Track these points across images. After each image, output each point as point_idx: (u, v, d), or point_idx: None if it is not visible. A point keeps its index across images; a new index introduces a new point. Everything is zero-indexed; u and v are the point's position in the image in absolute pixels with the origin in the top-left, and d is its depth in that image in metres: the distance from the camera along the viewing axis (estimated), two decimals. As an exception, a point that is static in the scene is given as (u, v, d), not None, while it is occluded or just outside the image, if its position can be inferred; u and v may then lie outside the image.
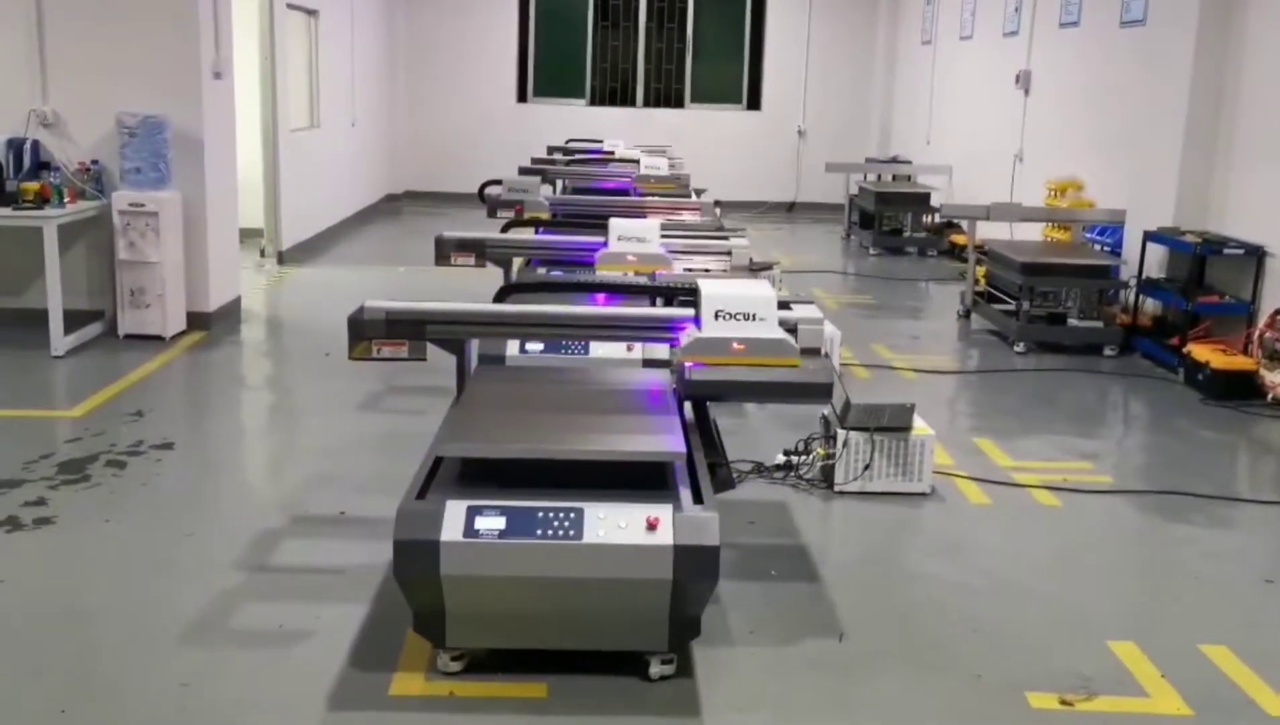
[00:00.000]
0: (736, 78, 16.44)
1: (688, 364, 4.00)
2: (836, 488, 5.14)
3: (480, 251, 6.21)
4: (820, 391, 4.06)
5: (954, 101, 13.50)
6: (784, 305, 4.37)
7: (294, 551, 4.39)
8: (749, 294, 3.87)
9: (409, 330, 4.05)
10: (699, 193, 12.01)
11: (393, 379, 6.66)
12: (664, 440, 3.53)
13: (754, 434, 5.86)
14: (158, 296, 7.45)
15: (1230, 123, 7.72)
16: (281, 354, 7.78)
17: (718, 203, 12.81)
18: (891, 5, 15.96)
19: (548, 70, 16.31)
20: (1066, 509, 5.12)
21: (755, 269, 9.51)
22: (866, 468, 5.11)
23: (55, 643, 3.63)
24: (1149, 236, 7.97)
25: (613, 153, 11.47)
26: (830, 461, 5.18)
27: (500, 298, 4.46)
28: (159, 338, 7.47)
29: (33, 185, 7.11)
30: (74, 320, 7.33)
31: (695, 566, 3.31)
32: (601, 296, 5.19)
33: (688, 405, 4.42)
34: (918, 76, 14.95)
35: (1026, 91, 11.20)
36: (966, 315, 9.14)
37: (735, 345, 3.78)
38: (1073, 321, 8.13)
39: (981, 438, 6.07)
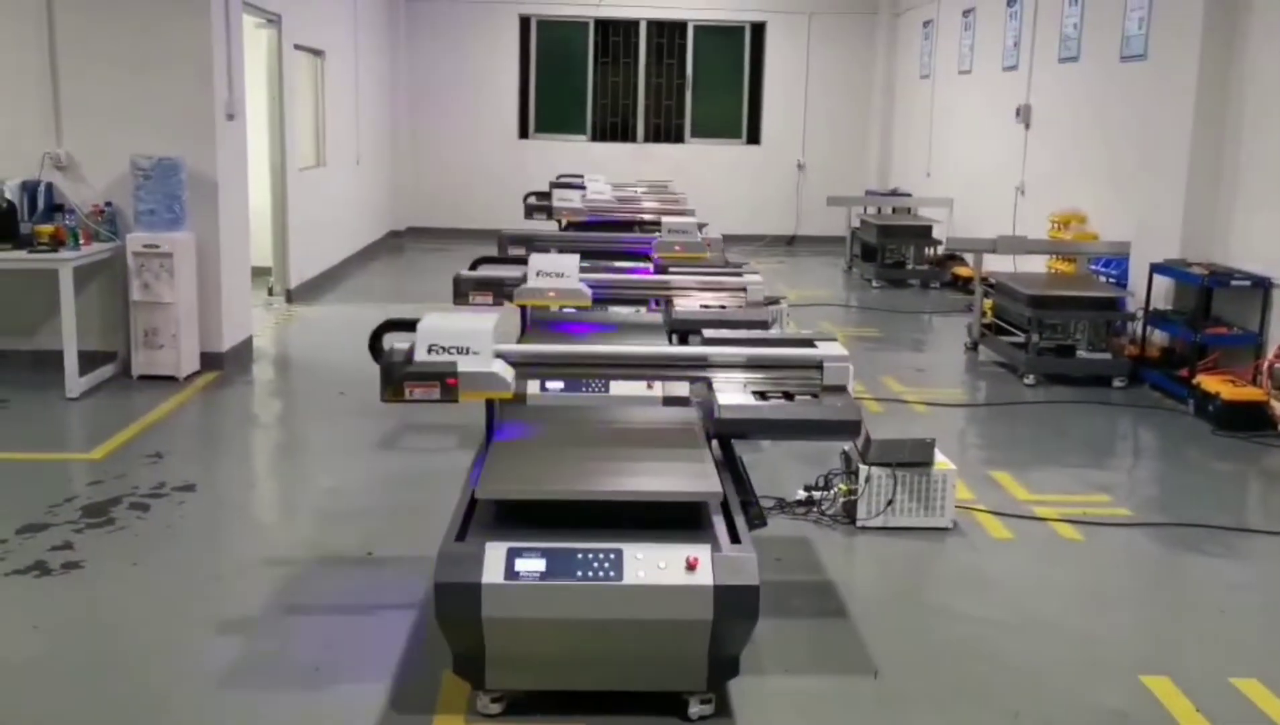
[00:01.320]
0: (736, 112, 16.57)
1: (718, 402, 4.05)
2: (859, 523, 5.17)
3: (499, 291, 6.27)
4: (849, 428, 4.10)
5: (954, 134, 13.63)
6: (808, 342, 4.42)
7: (324, 593, 4.39)
8: (462, 327, 3.79)
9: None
10: (702, 227, 12.11)
11: (409, 417, 6.68)
12: (700, 480, 3.55)
13: (772, 470, 5.88)
14: (171, 337, 7.48)
15: (1234, 155, 7.80)
16: (295, 393, 7.80)
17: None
18: (889, 39, 16.13)
19: (548, 106, 16.44)
20: (1088, 542, 5.15)
21: (764, 304, 9.59)
22: (890, 503, 5.14)
23: (93, 689, 3.63)
24: (1156, 268, 8.04)
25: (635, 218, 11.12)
26: (852, 497, 5.20)
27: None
28: (173, 378, 7.49)
29: (47, 228, 7.15)
30: (87, 361, 7.34)
31: (736, 606, 3.33)
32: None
33: (714, 443, 4.47)
34: (917, 110, 15.10)
35: (1027, 125, 11.31)
36: (974, 347, 9.19)
37: (449, 380, 3.73)
38: (1081, 353, 8.18)
39: (998, 471, 6.10)
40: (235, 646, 3.90)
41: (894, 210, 14.34)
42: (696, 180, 15.52)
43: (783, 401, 4.25)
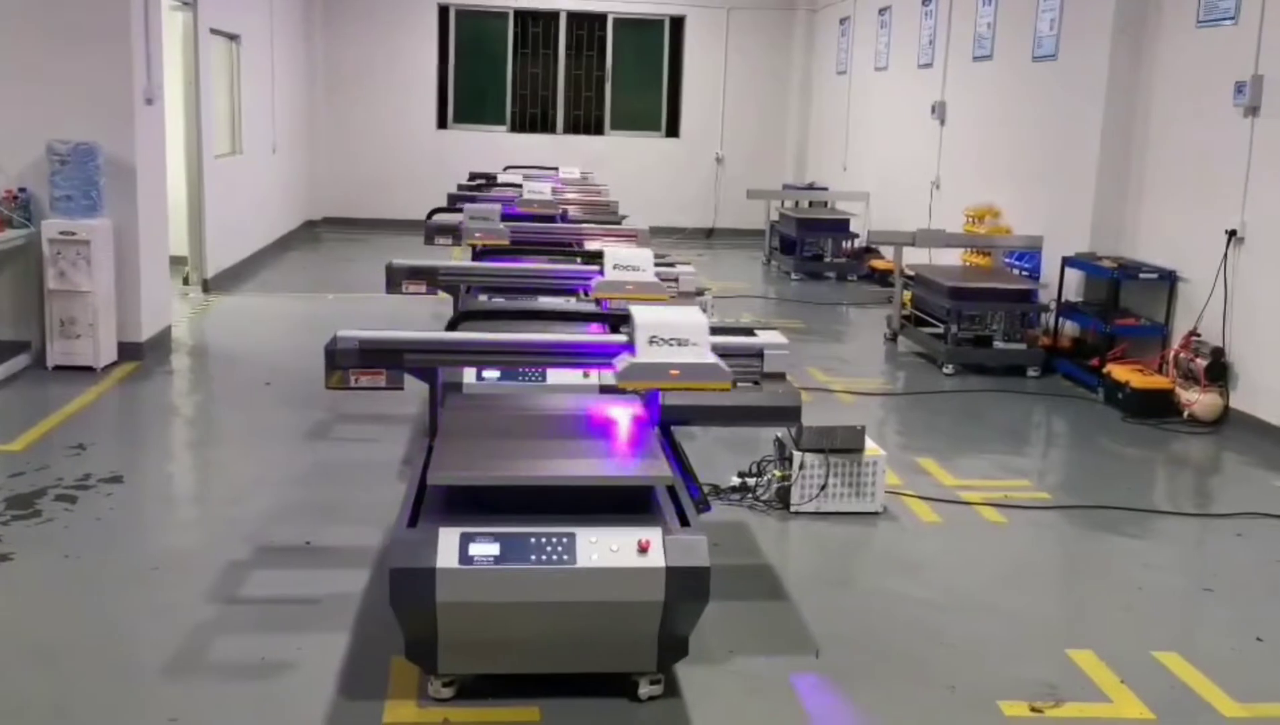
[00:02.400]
0: (655, 105, 16.66)
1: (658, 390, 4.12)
2: (793, 508, 5.28)
3: (432, 279, 6.25)
4: (790, 414, 4.22)
5: (871, 130, 13.88)
6: (748, 331, 4.51)
7: (264, 583, 4.35)
8: (682, 320, 3.91)
9: (386, 359, 4.09)
10: (623, 219, 12.18)
11: (339, 407, 6.63)
12: (652, 464, 3.61)
13: (705, 457, 5.95)
14: (89, 326, 7.30)
15: (1142, 152, 8.10)
16: (217, 384, 7.66)
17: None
18: (806, 35, 16.35)
19: (468, 97, 16.34)
20: (1012, 525, 5.33)
21: (689, 295, 9.68)
22: (823, 488, 5.25)
23: (32, 682, 3.56)
24: (1068, 262, 8.32)
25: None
26: (786, 483, 5.31)
27: (454, 325, 4.49)
28: (90, 369, 7.31)
29: (-42, 213, 6.94)
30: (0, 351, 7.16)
31: (687, 587, 3.40)
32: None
33: (655, 430, 4.53)
34: (834, 105, 15.34)
35: (942, 121, 11.58)
36: (894, 338, 9.40)
37: (671, 371, 3.84)
38: (998, 344, 8.43)
39: (923, 457, 6.27)
40: (178, 637, 3.85)
41: (810, 204, 14.57)
42: (616, 173, 15.54)
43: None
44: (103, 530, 4.79)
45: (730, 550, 4.83)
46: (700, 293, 9.39)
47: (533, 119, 16.44)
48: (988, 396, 7.84)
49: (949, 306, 8.32)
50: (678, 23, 16.41)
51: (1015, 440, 6.95)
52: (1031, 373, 8.33)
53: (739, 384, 4.36)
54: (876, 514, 5.31)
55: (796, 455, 5.26)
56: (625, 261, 5.65)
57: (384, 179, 15.84)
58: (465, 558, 3.33)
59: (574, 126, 16.51)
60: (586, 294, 6.49)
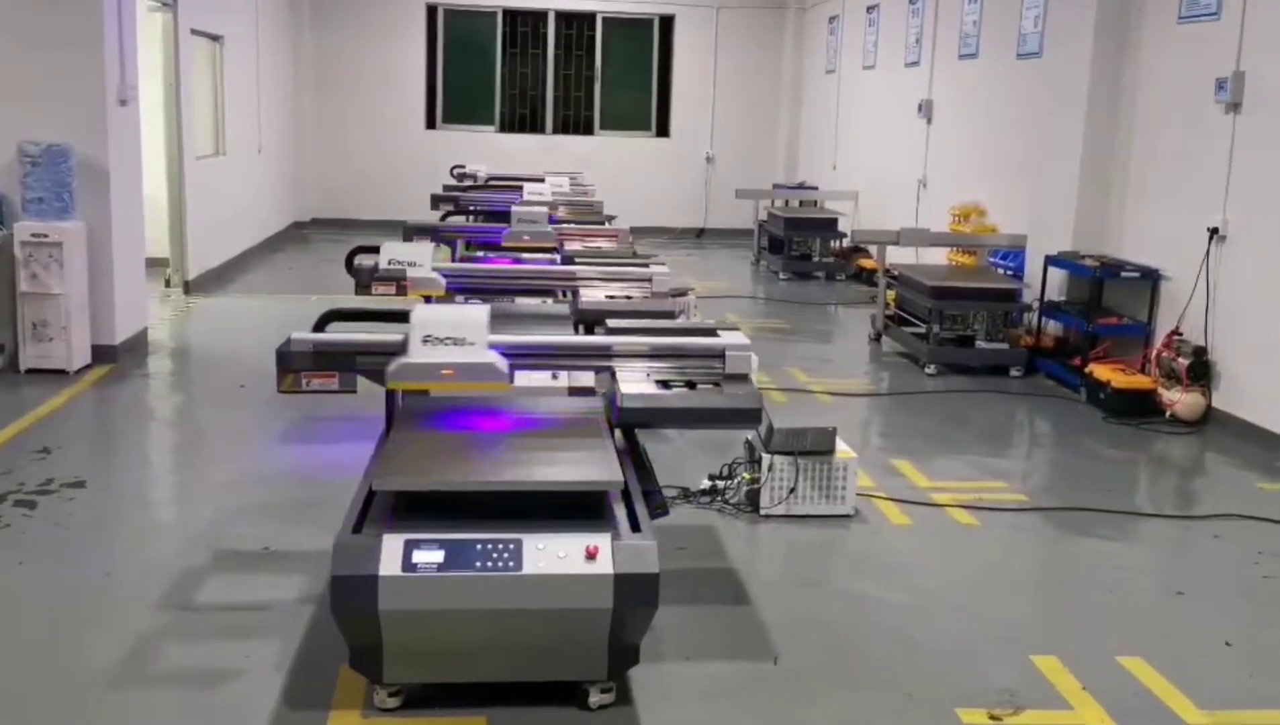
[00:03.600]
0: (645, 105, 16.60)
1: (620, 391, 4.06)
2: (762, 511, 5.21)
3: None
4: (750, 416, 4.14)
5: (859, 129, 13.82)
6: (710, 331, 4.45)
7: (219, 588, 4.30)
8: (457, 317, 3.85)
9: (339, 362, 4.04)
10: (610, 220, 12.13)
11: (312, 410, 6.56)
12: (601, 469, 3.55)
13: (678, 459, 5.90)
14: (61, 329, 7.25)
15: (1125, 150, 8.04)
16: (193, 386, 7.61)
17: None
18: (796, 35, 16.29)
19: (457, 97, 16.28)
20: (984, 527, 5.26)
21: (670, 295, 9.61)
22: (792, 491, 5.19)
23: (-28, 691, 3.50)
24: (1050, 260, 8.26)
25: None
26: (756, 486, 5.25)
27: (320, 325, 4.42)
28: (63, 372, 7.26)
29: (-72, 216, 6.89)
30: (-28, 355, 7.11)
31: (636, 594, 3.34)
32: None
33: (617, 432, 4.47)
34: (823, 104, 15.28)
35: (929, 120, 11.52)
36: (877, 338, 9.33)
37: (444, 371, 3.78)
38: (980, 344, 8.36)
39: (898, 459, 6.20)
40: (126, 645, 3.79)
41: (800, 203, 14.50)
42: (605, 172, 15.50)
43: (685, 391, 4.28)
44: (60, 536, 4.73)
45: (695, 553, 4.77)
46: (682, 293, 9.36)
47: (522, 119, 16.38)
48: (969, 397, 7.78)
49: (930, 306, 8.25)
50: (667, 22, 16.36)
51: (994, 441, 6.89)
52: (1014, 373, 8.27)
53: (699, 386, 4.32)
54: (847, 517, 5.25)
55: (765, 457, 5.20)
56: (401, 256, 5.66)
57: (373, 179, 15.79)
58: (409, 565, 3.27)
59: (563, 126, 16.45)
60: (565, 295, 6.46)
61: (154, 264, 10.67)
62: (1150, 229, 7.78)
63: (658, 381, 4.35)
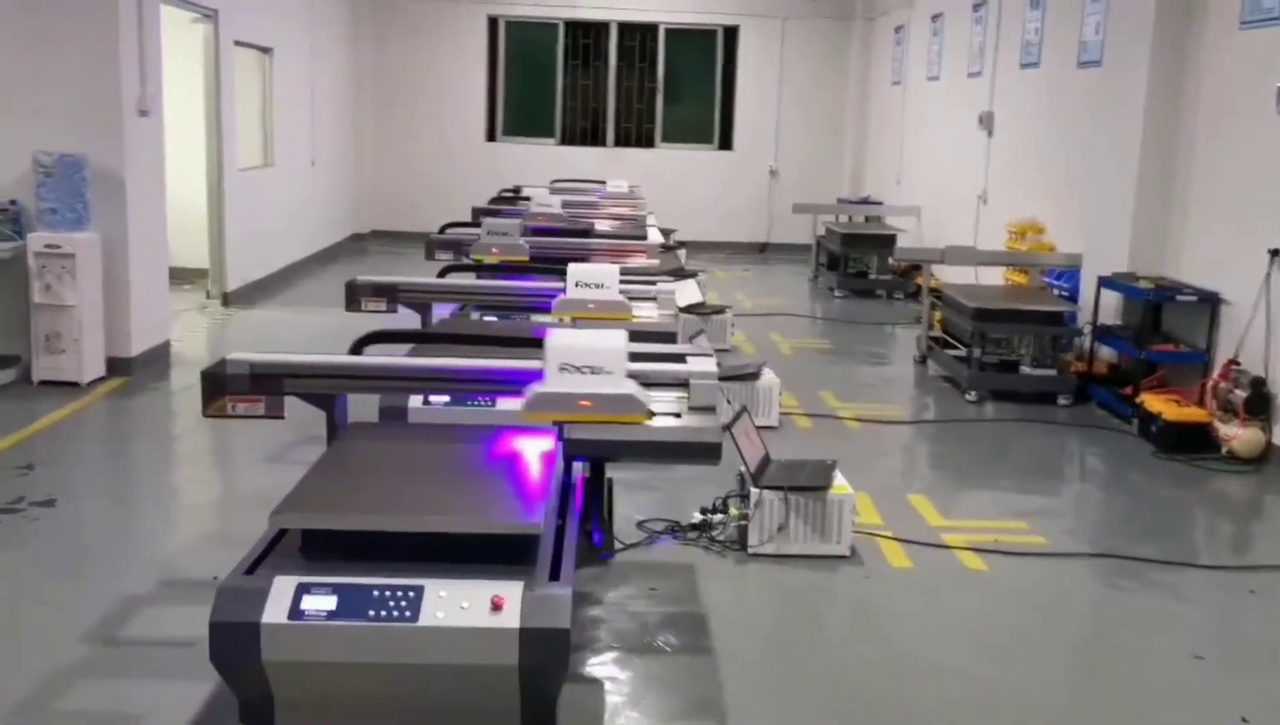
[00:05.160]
0: (708, 117, 16.28)
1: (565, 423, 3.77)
2: (750, 550, 4.86)
3: (392, 296, 5.99)
4: (707, 452, 3.80)
5: (923, 142, 13.34)
6: (679, 358, 4.13)
7: (151, 621, 4.09)
8: (597, 345, 3.59)
9: (269, 386, 3.81)
10: (667, 233, 11.85)
11: (308, 429, 6.35)
12: (520, 510, 3.24)
13: (681, 490, 5.55)
14: (74, 341, 7.19)
15: (1186, 166, 7.50)
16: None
17: (682, 244, 12.67)
18: (863, 45, 15.84)
19: (517, 109, 16.16)
20: (993, 573, 4.83)
21: (707, 312, 9.30)
22: (780, 529, 4.83)
23: None
24: (1103, 282, 7.74)
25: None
26: (744, 522, 4.89)
27: (358, 348, 4.20)
28: (75, 384, 7.20)
29: (-56, 226, 6.88)
30: (-14, 366, 7.09)
31: (543, 651, 3.02)
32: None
33: (580, 465, 4.17)
34: (888, 117, 14.81)
35: (990, 132, 11.01)
36: (923, 361, 8.88)
37: (582, 401, 3.51)
38: (1025, 369, 7.87)
39: (916, 494, 5.79)
40: (33, 680, 3.59)
41: (866, 219, 14.06)
42: (666, 186, 15.28)
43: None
44: (10, 559, 4.58)
45: (665, 597, 4.44)
46: (720, 311, 9.03)
47: (583, 131, 16.18)
48: (1009, 426, 7.30)
49: (972, 328, 7.79)
50: (731, 33, 16.02)
51: (1026, 476, 6.40)
52: (1063, 401, 7.75)
53: (656, 416, 4.00)
54: (842, 558, 4.86)
55: (753, 492, 4.84)
56: (588, 278, 5.31)
57: (432, 192, 15.70)
58: (296, 612, 3.00)
59: (624, 139, 16.21)
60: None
61: (199, 275, 10.75)
62: (1210, 249, 7.23)
63: (614, 411, 4.05)
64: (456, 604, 3.03)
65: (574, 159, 15.61)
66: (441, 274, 6.30)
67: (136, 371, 7.62)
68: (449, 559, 3.18)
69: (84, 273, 7.19)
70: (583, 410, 3.44)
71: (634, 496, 5.44)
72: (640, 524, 5.11)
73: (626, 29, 15.98)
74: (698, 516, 5.11)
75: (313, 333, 9.36)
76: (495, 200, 11.16)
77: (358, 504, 3.30)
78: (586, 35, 16.00)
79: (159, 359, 8.01)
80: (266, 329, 9.65)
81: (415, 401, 4.96)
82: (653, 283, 6.44)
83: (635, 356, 4.17)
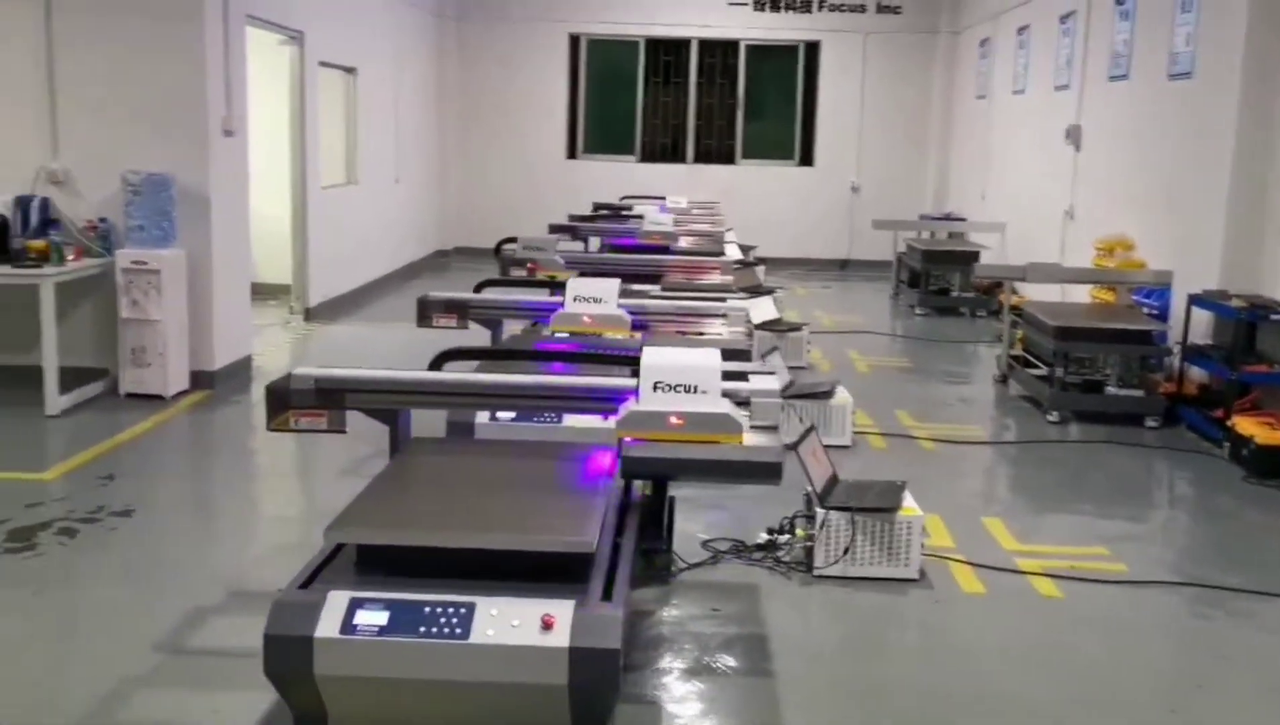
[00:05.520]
0: (789, 133, 16.18)
1: (626, 440, 3.74)
2: (815, 571, 4.77)
3: (463, 313, 6.04)
4: (767, 471, 3.74)
5: (1008, 157, 13.08)
6: (742, 376, 4.08)
7: (217, 632, 4.15)
8: (691, 364, 3.58)
9: (332, 400, 3.85)
10: (747, 250, 11.79)
11: (385, 442, 6.43)
12: (574, 529, 3.22)
13: (754, 507, 5.45)
14: (159, 355, 7.37)
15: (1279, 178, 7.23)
16: (283, 414, 7.61)
17: (762, 260, 12.59)
18: (948, 59, 15.62)
19: (598, 127, 16.24)
20: (1069, 601, 4.68)
21: (782, 329, 9.21)
22: (846, 551, 4.73)
23: (-65, 731, 3.43)
24: (1193, 300, 7.48)
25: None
26: (810, 543, 4.81)
27: (437, 364, 4.22)
28: (159, 397, 7.37)
29: (38, 243, 7.10)
30: (77, 378, 7.28)
31: (592, 671, 2.99)
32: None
33: (639, 484, 4.13)
34: (973, 131, 14.57)
35: (1077, 147, 10.74)
36: (1003, 381, 8.68)
37: (673, 419, 3.50)
38: (1111, 390, 7.63)
39: (991, 517, 5.64)
40: (100, 689, 3.66)
41: (950, 235, 13.84)
42: (747, 202, 15.22)
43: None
44: (87, 567, 4.69)
45: (728, 618, 4.38)
46: (797, 328, 8.93)
47: (663, 148, 16.19)
48: (1092, 448, 7.09)
49: (1053, 347, 7.59)
50: (813, 48, 15.92)
51: (1107, 500, 6.19)
52: (1150, 423, 7.51)
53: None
54: (910, 581, 4.75)
55: (819, 512, 4.76)
56: (586, 293, 5.32)
57: (514, 209, 15.81)
58: (348, 627, 3.01)
59: (705, 156, 16.18)
60: (646, 329, 6.16)
61: (282, 291, 10.96)
62: (1306, 266, 6.95)
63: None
64: (507, 622, 3.02)
65: (653, 176, 15.62)
66: (478, 288, 6.35)
67: (219, 385, 7.79)
68: (502, 576, 3.17)
69: (169, 288, 7.37)
70: (675, 428, 3.42)
71: (701, 515, 5.39)
72: (705, 543, 5.06)
73: (707, 46, 15.96)
74: (764, 537, 5.05)
75: (390, 348, 9.47)
76: (579, 217, 11.21)
77: (412, 520, 3.31)
78: (668, 52, 16.02)
79: (241, 373, 8.18)
80: (345, 344, 9.80)
81: (482, 417, 4.98)
82: (724, 300, 6.40)
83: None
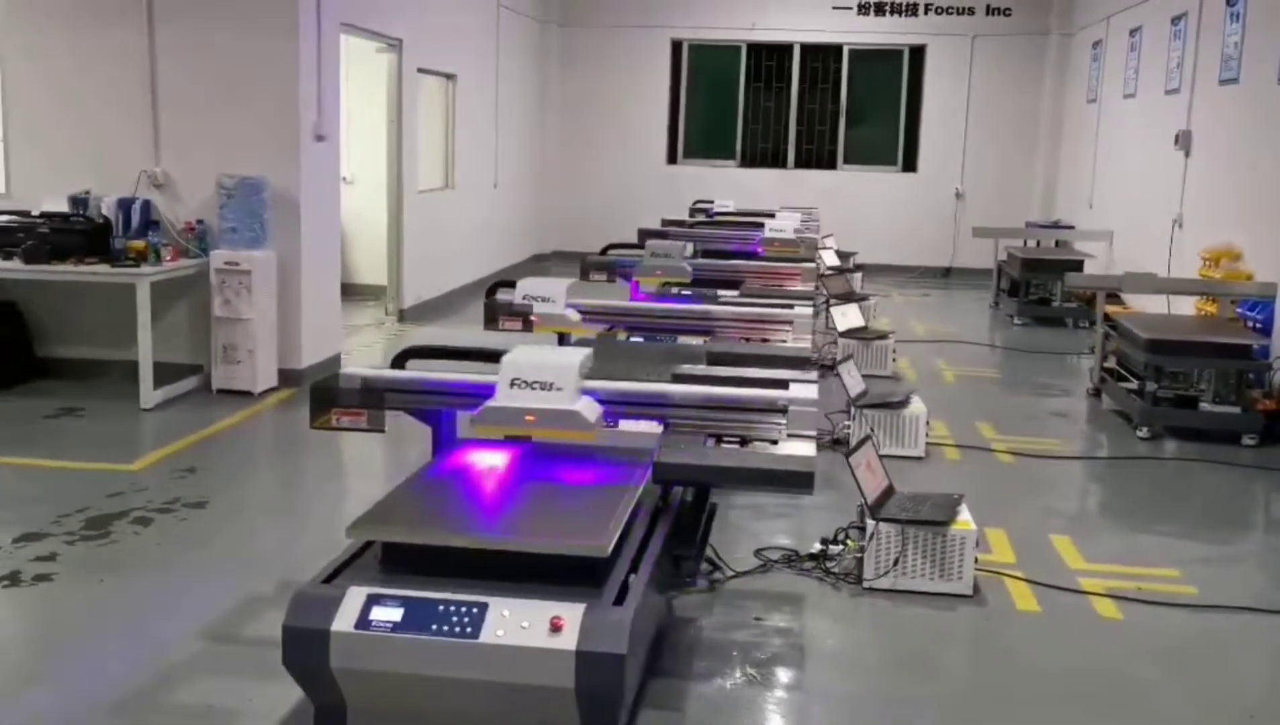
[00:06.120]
0: (892, 138, 15.95)
1: (660, 446, 3.77)
2: (865, 584, 4.70)
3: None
4: (798, 480, 3.71)
5: (1117, 164, 12.68)
6: (782, 384, 4.05)
7: (266, 622, 4.27)
8: (549, 361, 3.60)
9: (372, 400, 3.94)
10: (846, 256, 11.67)
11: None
12: (592, 532, 3.23)
13: (815, 516, 5.40)
14: (248, 352, 7.63)
15: (1391, 188, 6.86)
16: (366, 413, 7.80)
17: (859, 267, 12.44)
18: (1059, 63, 15.21)
19: (698, 131, 16.25)
20: (1128, 623, 4.51)
21: (868, 337, 9.09)
22: (896, 563, 4.65)
23: (-8, 706, 3.61)
24: (1294, 313, 7.16)
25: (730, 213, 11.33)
26: (861, 554, 4.74)
27: (399, 362, 4.29)
28: (248, 393, 7.63)
29: (138, 244, 7.40)
30: (174, 374, 7.59)
31: (599, 675, 3.00)
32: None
33: (682, 490, 4.12)
34: (1082, 137, 14.17)
35: (1186, 153, 10.36)
36: (1096, 394, 8.42)
37: (527, 416, 3.52)
38: (1205, 405, 7.33)
39: (1059, 534, 5.46)
40: (146, 674, 3.80)
41: (1057, 243, 13.48)
42: (847, 208, 15.08)
43: (732, 448, 3.91)
44: (155, 556, 4.88)
45: (768, 627, 4.34)
46: (884, 336, 8.79)
47: (763, 153, 16.12)
48: (1182, 466, 6.83)
49: (1144, 360, 7.33)
50: (917, 53, 15.67)
51: (1190, 520, 5.94)
52: (1248, 441, 7.19)
53: (753, 443, 3.93)
54: (963, 597, 4.64)
55: (869, 524, 4.68)
56: (536, 292, 5.47)
57: (613, 213, 15.88)
58: (364, 622, 3.08)
59: (805, 161, 16.06)
60: (713, 335, 6.16)
61: (381, 291, 11.23)
62: None
63: (709, 435, 4.02)
64: (518, 623, 3.05)
65: (753, 181, 15.60)
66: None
67: (306, 382, 8.00)
68: (520, 578, 3.20)
69: (259, 288, 7.62)
70: (528, 425, 3.49)
71: (763, 523, 5.38)
72: (758, 552, 5.02)
73: (809, 51, 15.85)
74: (817, 546, 4.99)
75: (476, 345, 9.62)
76: (671, 222, 11.24)
77: (435, 519, 3.36)
78: (769, 57, 15.95)
79: (328, 371, 8.32)
80: (437, 343, 9.97)
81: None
82: (790, 307, 6.35)
83: (732, 381, 4.13)
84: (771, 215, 11.93)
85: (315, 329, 8.17)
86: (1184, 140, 10.38)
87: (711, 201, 12.85)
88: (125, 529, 5.14)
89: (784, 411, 3.82)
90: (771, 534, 5.27)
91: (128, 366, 7.52)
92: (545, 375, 3.54)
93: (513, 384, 3.55)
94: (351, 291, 11.99)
